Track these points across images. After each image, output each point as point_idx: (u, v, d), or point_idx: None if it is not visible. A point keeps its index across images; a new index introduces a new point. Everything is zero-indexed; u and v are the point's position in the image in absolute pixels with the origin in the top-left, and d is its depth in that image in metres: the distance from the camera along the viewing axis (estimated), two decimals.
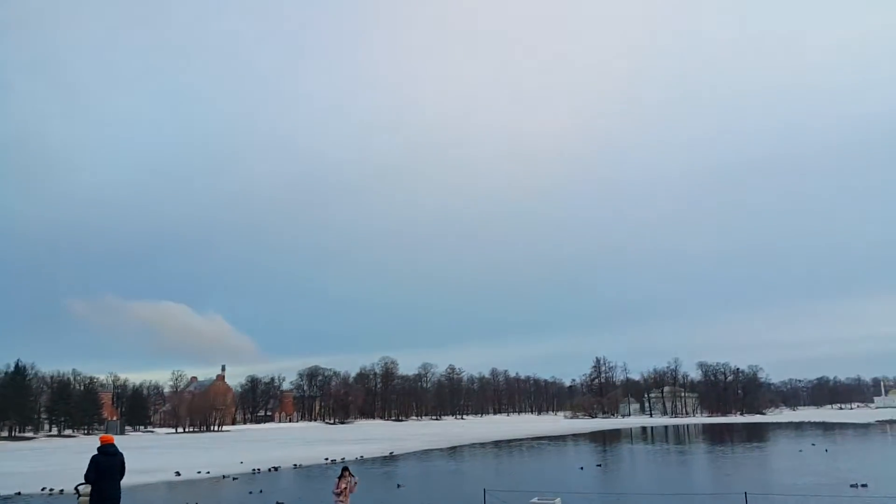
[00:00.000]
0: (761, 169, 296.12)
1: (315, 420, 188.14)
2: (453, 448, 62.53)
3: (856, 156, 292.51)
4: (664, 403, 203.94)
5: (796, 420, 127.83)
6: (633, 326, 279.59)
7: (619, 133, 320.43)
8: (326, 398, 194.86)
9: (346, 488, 16.32)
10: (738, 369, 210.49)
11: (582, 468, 38.49)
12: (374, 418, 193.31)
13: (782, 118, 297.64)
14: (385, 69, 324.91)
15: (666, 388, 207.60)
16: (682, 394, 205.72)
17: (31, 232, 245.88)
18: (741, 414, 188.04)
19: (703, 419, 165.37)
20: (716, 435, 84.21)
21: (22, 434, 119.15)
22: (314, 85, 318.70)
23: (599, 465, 37.63)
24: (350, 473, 16.63)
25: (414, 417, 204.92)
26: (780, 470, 37.26)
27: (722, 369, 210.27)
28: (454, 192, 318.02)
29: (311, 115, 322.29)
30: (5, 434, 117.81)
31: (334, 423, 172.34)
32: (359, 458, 48.51)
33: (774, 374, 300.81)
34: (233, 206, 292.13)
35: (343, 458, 45.18)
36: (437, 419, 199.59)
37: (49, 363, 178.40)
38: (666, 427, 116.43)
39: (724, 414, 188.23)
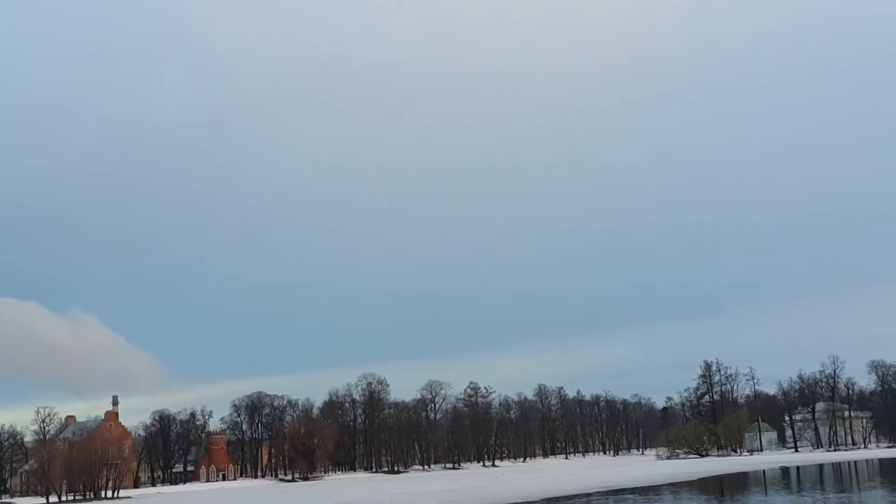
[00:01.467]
0: None
1: (263, 475, 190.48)
2: None
3: None
4: (817, 430, 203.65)
5: None
6: (761, 312, 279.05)
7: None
8: (279, 441, 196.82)
9: None
10: None
11: None
12: (353, 470, 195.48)
13: None
14: None
15: (819, 406, 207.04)
16: (847, 413, 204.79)
17: None
18: None
19: (881, 451, 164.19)
20: None
21: None
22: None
23: None
24: None
25: (417, 466, 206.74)
26: None
27: None
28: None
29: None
30: None
31: (293, 480, 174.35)
32: None
33: None
34: (111, 154, 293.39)
35: None
36: (453, 468, 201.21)
37: None
38: (821, 466, 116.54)
39: None
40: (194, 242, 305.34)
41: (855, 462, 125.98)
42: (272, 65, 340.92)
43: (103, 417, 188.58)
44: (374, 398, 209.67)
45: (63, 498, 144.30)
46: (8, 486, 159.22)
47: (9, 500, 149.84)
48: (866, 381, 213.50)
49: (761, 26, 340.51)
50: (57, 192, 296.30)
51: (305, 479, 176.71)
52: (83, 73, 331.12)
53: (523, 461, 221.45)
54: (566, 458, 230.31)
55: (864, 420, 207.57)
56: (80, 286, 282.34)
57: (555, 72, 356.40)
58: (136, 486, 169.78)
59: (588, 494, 76.48)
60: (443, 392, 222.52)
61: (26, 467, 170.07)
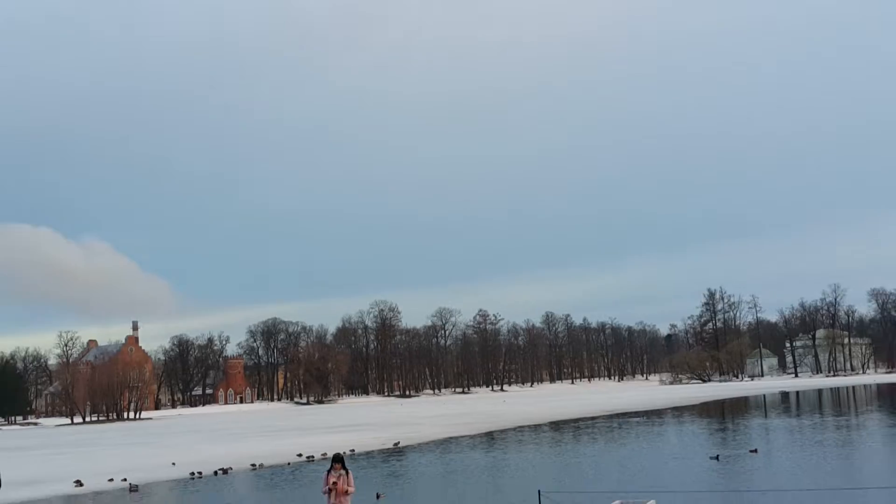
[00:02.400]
0: None
1: (279, 399, 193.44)
2: (489, 434, 63.98)
3: None
4: (817, 356, 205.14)
5: None
6: (764, 240, 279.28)
7: None
8: (294, 366, 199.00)
9: (336, 483, 17.34)
10: None
11: (713, 458, 39.26)
12: (367, 394, 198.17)
13: None
14: None
15: (820, 333, 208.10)
16: (847, 340, 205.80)
17: None
18: None
19: (879, 377, 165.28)
20: None
21: None
22: None
23: (715, 458, 38.30)
24: (343, 466, 17.64)
25: (428, 391, 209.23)
26: None
27: None
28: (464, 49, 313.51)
29: None
30: None
31: (308, 403, 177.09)
32: (349, 451, 49.96)
33: None
34: (115, 82, 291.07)
35: (325, 454, 46.49)
36: (463, 392, 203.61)
37: None
38: (819, 391, 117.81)
39: None
40: (209, 167, 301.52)
41: (853, 387, 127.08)
42: None
43: (124, 342, 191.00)
44: (385, 325, 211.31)
45: (87, 419, 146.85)
46: (33, 407, 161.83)
47: (34, 420, 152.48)
48: (866, 309, 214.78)
49: None
50: (67, 112, 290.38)
51: (320, 402, 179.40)
52: None
53: (530, 386, 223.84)
54: (572, 383, 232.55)
55: (864, 347, 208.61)
56: (93, 212, 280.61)
57: None
58: (157, 408, 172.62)
59: (593, 418, 77.72)
60: (452, 319, 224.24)
61: (51, 389, 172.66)
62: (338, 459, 18.11)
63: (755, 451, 39.99)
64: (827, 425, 58.23)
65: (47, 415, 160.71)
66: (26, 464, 52.39)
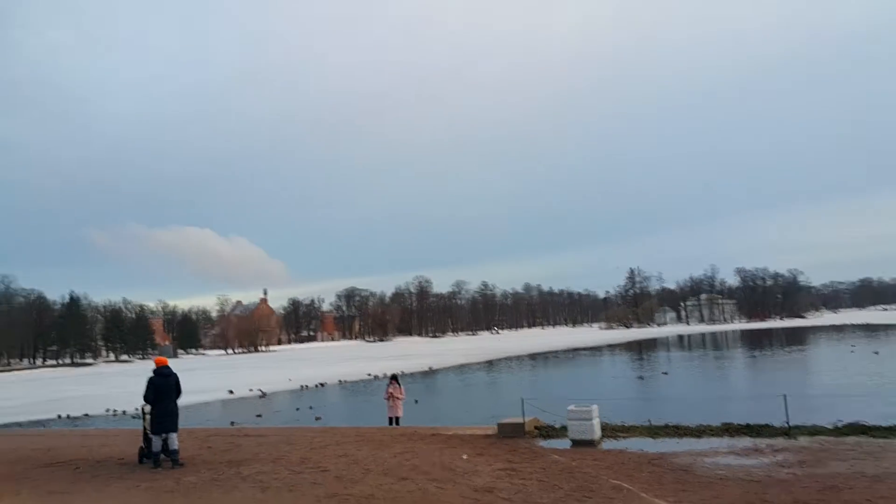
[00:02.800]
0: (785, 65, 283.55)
1: (355, 339, 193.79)
2: (490, 361, 64.08)
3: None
4: (701, 311, 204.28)
5: (838, 323, 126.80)
6: (667, 235, 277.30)
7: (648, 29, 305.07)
8: (365, 318, 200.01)
9: (392, 393, 17.96)
10: (777, 273, 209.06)
11: (647, 376, 39.16)
12: (411, 335, 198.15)
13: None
14: None
15: (703, 296, 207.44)
16: (720, 301, 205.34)
17: (56, 166, 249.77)
18: (781, 319, 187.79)
19: (741, 325, 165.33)
20: (754, 340, 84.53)
21: (82, 360, 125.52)
22: (328, 3, 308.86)
23: (641, 378, 38.22)
24: (397, 381, 18.06)
25: (450, 333, 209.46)
26: (821, 371, 37.44)
27: (761, 274, 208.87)
28: (478, 106, 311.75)
29: (328, 35, 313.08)
30: (67, 361, 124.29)
31: (374, 342, 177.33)
32: (400, 373, 50.12)
33: (815, 276, 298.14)
34: (259, 134, 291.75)
35: (385, 374, 46.68)
36: (472, 334, 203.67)
37: (99, 293, 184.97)
38: (703, 335, 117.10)
39: (764, 319, 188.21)
40: (313, 181, 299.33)
41: (725, 332, 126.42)
42: None
43: (258, 302, 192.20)
44: (423, 291, 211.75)
45: (235, 351, 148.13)
46: (201, 343, 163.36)
47: (203, 352, 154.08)
48: (733, 280, 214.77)
49: None
50: (235, 145, 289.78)
51: (381, 340, 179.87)
52: None
53: (516, 331, 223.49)
54: (542, 328, 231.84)
55: (731, 305, 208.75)
56: (236, 216, 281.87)
57: None
58: (278, 344, 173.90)
59: (555, 351, 77.69)
60: (465, 287, 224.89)
61: (212, 332, 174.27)
62: (394, 377, 18.65)
63: (666, 373, 39.67)
64: (709, 356, 57.88)
65: (210, 348, 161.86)
66: (199, 379, 53.00)
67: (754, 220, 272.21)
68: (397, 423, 17.87)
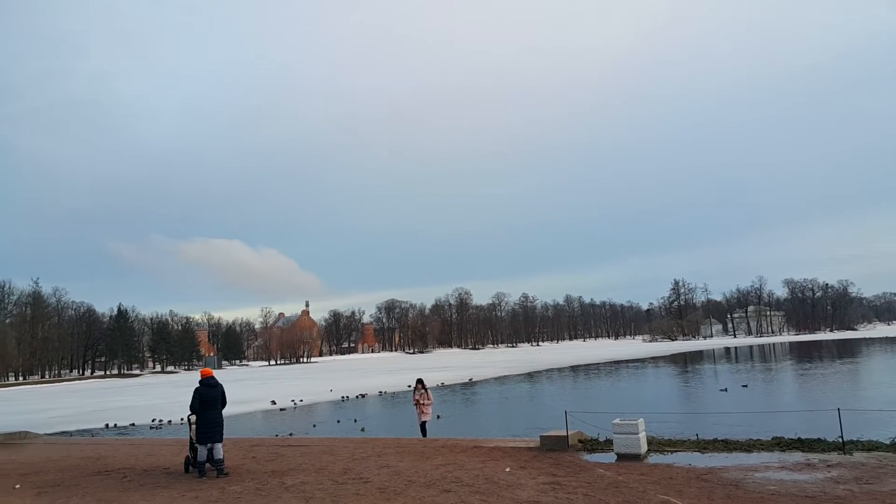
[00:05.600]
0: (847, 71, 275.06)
1: (395, 350, 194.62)
2: (530, 373, 63.51)
3: None
4: (748, 323, 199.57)
5: (892, 335, 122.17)
6: (713, 246, 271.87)
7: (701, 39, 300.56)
8: (405, 329, 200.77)
9: (418, 400, 17.79)
10: (827, 285, 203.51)
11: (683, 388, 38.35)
12: (450, 347, 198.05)
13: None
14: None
15: (750, 308, 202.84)
16: (768, 313, 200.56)
17: (102, 183, 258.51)
18: (831, 331, 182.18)
19: (790, 337, 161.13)
20: (803, 352, 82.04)
21: (129, 371, 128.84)
22: (356, 24, 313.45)
23: (688, 391, 37.38)
24: (423, 386, 17.95)
25: (490, 346, 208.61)
26: (876, 384, 36.08)
27: (810, 285, 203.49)
28: (515, 119, 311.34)
29: (356, 54, 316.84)
30: (115, 371, 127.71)
31: (413, 353, 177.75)
32: (440, 384, 50.03)
33: (867, 288, 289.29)
34: (288, 152, 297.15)
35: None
36: (512, 346, 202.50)
37: (147, 306, 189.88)
38: (750, 347, 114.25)
39: (813, 331, 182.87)
40: (341, 196, 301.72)
41: (773, 344, 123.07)
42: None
43: (300, 314, 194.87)
44: (462, 302, 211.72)
45: (277, 362, 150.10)
46: (245, 354, 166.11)
47: (247, 363, 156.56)
48: (781, 292, 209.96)
49: None
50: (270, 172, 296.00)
51: (421, 352, 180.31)
52: None
53: (557, 343, 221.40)
54: (584, 341, 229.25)
55: (779, 317, 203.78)
56: (265, 228, 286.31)
57: None
58: (320, 356, 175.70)
59: (598, 364, 76.64)
60: (506, 299, 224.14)
61: (256, 343, 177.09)
62: (419, 381, 18.30)
63: (725, 390, 37.82)
64: (757, 369, 56.34)
65: (253, 359, 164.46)
66: (242, 390, 53.83)
67: (802, 230, 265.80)
68: (423, 428, 17.77)
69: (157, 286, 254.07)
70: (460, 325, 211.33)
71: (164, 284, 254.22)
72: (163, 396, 53.87)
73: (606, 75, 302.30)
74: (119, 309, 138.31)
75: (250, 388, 57.40)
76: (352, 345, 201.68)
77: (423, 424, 17.76)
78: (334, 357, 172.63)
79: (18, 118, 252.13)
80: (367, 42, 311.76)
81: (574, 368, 69.23)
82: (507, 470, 10.92)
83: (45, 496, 10.86)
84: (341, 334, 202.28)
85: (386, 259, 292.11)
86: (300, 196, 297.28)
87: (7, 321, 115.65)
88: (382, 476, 10.94)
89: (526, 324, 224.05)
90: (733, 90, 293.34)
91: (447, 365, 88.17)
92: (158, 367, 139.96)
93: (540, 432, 13.74)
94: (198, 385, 12.04)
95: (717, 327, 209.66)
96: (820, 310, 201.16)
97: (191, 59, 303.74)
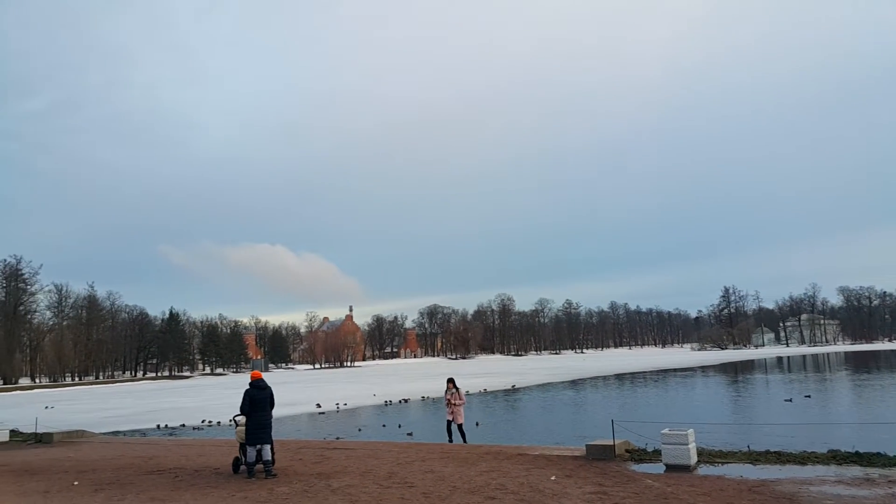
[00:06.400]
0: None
1: (437, 356, 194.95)
2: (574, 381, 62.82)
3: None
4: (801, 332, 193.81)
5: None
6: (764, 252, 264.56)
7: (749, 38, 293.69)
8: (447, 335, 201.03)
9: (449, 399, 17.39)
10: (884, 293, 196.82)
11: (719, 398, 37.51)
12: (493, 353, 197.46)
13: None
14: (472, 6, 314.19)
15: (803, 316, 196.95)
16: (822, 321, 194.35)
17: (159, 191, 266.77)
18: (889, 340, 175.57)
19: (845, 347, 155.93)
20: (860, 363, 79.19)
21: (180, 373, 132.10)
22: (399, 30, 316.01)
23: (738, 395, 36.46)
24: (454, 385, 17.49)
25: (532, 352, 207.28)
26: None
27: (866, 293, 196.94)
28: (561, 122, 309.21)
29: (402, 59, 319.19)
30: (166, 373, 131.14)
31: (456, 359, 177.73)
32: (482, 390, 49.94)
33: None
34: (331, 158, 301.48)
35: (468, 392, 46.66)
36: (555, 353, 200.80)
37: (197, 309, 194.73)
38: (804, 356, 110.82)
39: (870, 341, 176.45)
40: (394, 203, 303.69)
41: (827, 354, 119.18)
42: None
43: (344, 318, 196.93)
44: (505, 308, 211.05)
45: (322, 366, 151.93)
46: (291, 358, 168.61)
47: (292, 366, 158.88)
48: (836, 300, 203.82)
49: None
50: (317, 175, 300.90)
51: (463, 357, 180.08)
52: None
53: (601, 350, 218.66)
54: (629, 349, 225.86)
55: (834, 326, 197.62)
56: (308, 233, 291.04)
57: None
58: (363, 360, 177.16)
59: (644, 372, 75.38)
60: (549, 305, 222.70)
61: (301, 347, 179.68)
62: (451, 381, 17.71)
63: (790, 400, 36.41)
64: (810, 379, 54.58)
65: (299, 363, 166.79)
66: (288, 392, 54.65)
67: (858, 236, 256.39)
68: (460, 431, 17.38)
69: (207, 290, 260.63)
70: (503, 331, 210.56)
71: (214, 288, 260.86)
72: (212, 398, 55.10)
73: (652, 77, 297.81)
74: (171, 312, 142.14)
75: (295, 391, 58.22)
76: (394, 350, 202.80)
77: (450, 425, 17.46)
78: (377, 361, 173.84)
79: (79, 129, 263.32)
80: (405, 52, 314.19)
81: (619, 377, 68.19)
82: (553, 478, 10.83)
83: (102, 493, 11.23)
84: (384, 339, 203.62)
85: (427, 264, 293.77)
86: (341, 203, 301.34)
87: (64, 323, 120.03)
88: (427, 481, 10.98)
89: (570, 330, 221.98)
90: (788, 93, 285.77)
91: (490, 371, 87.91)
92: (208, 369, 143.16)
93: (585, 441, 13.58)
94: (248, 387, 12.30)
95: (769, 336, 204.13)
96: (877, 318, 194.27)
97: (239, 71, 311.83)
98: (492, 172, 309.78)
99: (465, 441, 17.30)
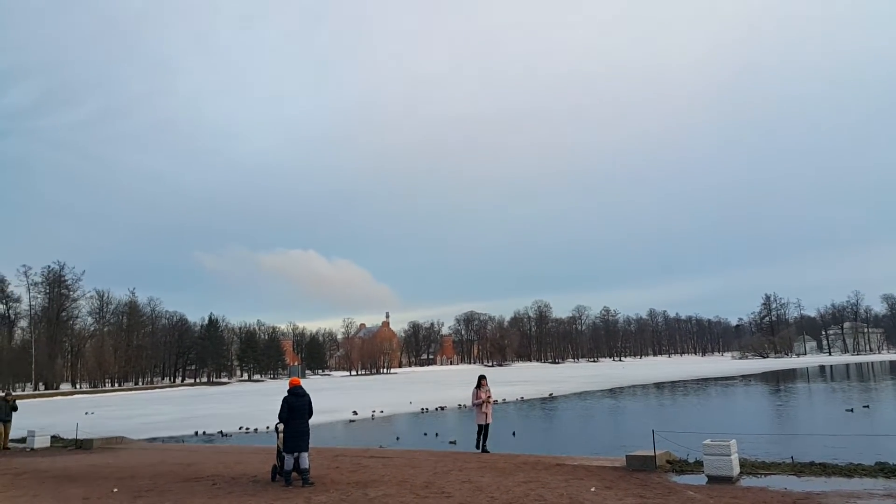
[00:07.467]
0: None
1: (473, 363, 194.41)
2: (613, 390, 61.98)
3: None
4: (844, 341, 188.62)
5: None
6: (806, 259, 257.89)
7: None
8: (483, 342, 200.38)
9: (485, 399, 16.77)
10: None
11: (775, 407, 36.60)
12: (529, 361, 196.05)
13: None
14: (509, 22, 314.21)
15: (846, 325, 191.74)
16: (865, 330, 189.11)
17: (198, 198, 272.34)
18: None
19: (890, 356, 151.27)
20: None
21: (218, 379, 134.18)
22: (437, 48, 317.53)
23: (781, 405, 35.53)
24: (486, 382, 16.98)
25: (570, 360, 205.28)
26: None
27: None
28: (599, 131, 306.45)
29: (438, 77, 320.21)
30: (204, 379, 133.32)
31: (492, 366, 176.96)
32: (519, 398, 49.59)
33: None
34: (370, 171, 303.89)
35: (504, 399, 46.41)
36: (593, 361, 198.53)
37: (235, 315, 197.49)
38: (847, 366, 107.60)
39: None
40: (433, 210, 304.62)
41: (871, 363, 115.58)
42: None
43: (381, 325, 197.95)
44: (542, 315, 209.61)
45: (358, 372, 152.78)
46: (327, 364, 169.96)
47: (328, 373, 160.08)
48: (880, 308, 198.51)
49: None
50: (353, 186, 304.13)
51: (500, 365, 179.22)
52: None
53: (640, 358, 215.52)
54: (668, 357, 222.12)
55: (878, 334, 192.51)
56: (338, 239, 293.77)
57: None
58: (399, 367, 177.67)
59: (684, 381, 74.01)
60: (586, 312, 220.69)
61: (338, 354, 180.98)
62: (483, 378, 17.23)
63: (851, 410, 35.04)
64: (854, 388, 52.91)
65: (335, 369, 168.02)
66: (324, 399, 54.99)
67: None
68: (485, 433, 16.86)
69: (245, 296, 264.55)
70: (539, 338, 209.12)
71: (251, 294, 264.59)
72: (250, 404, 55.77)
73: (695, 87, 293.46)
74: (210, 318, 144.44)
75: (331, 398, 58.54)
76: (430, 356, 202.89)
77: (482, 427, 16.83)
78: (413, 368, 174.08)
79: (123, 137, 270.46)
80: (446, 69, 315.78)
81: (659, 385, 67.07)
82: (593, 490, 10.67)
83: (140, 500, 11.39)
84: (420, 346, 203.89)
85: (463, 271, 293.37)
86: (377, 210, 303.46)
87: (105, 329, 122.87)
88: (464, 491, 10.91)
89: (607, 338, 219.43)
90: (824, 98, 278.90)
91: (526, 379, 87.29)
92: (246, 376, 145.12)
93: (625, 451, 13.37)
94: (286, 394, 12.38)
95: (811, 344, 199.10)
96: None
97: (281, 81, 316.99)
98: (532, 182, 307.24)
99: (485, 442, 16.89)
